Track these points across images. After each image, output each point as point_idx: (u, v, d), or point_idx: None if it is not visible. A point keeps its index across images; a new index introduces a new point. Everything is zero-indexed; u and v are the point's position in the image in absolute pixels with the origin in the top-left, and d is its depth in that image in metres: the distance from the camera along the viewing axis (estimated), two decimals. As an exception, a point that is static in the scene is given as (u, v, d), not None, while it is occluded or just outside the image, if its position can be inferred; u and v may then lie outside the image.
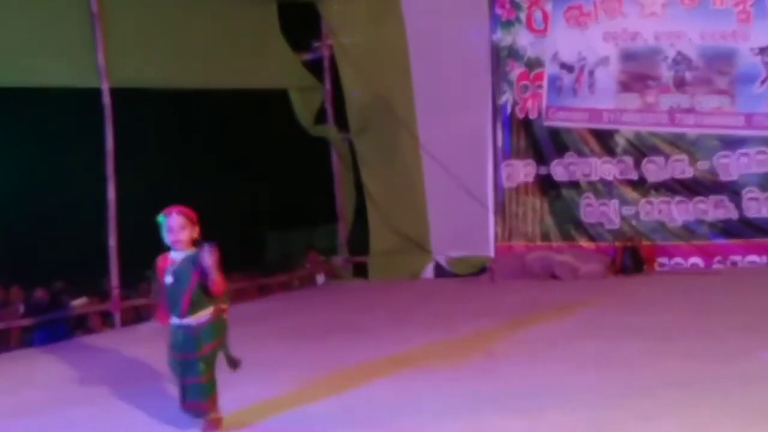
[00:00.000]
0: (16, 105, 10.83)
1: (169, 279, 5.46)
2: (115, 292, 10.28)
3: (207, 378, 5.47)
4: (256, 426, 5.76)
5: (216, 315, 5.49)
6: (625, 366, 6.58)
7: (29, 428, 6.19)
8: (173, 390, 6.76)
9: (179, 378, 5.53)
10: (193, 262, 5.41)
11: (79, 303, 10.58)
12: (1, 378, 7.93)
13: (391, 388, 6.51)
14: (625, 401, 5.62)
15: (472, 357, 7.27)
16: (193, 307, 5.43)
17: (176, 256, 5.50)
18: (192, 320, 5.45)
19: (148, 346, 8.91)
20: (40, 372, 8.08)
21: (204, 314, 5.46)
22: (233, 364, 5.62)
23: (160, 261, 5.54)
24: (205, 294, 5.42)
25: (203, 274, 5.35)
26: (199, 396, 5.50)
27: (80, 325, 10.45)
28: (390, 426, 5.56)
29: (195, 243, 5.49)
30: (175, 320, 5.48)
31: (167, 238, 5.46)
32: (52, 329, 10.13)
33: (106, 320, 10.49)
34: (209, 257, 5.31)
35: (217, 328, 5.50)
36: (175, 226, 5.44)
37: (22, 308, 10.23)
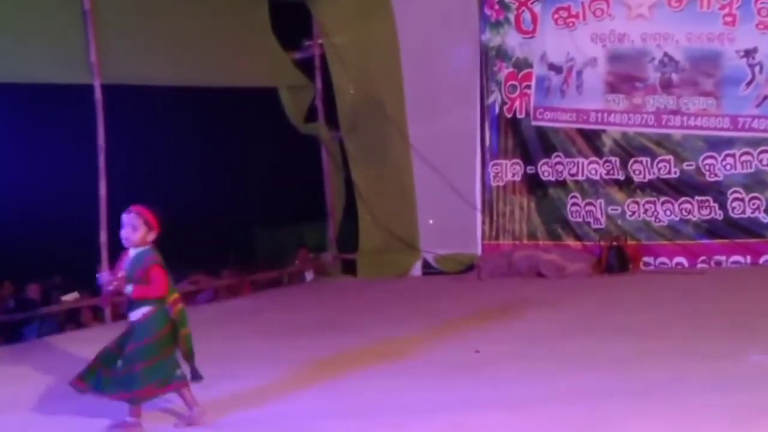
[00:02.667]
0: (8, 101, 10.88)
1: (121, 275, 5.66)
2: (106, 287, 10.35)
3: (143, 366, 5.54)
4: (226, 420, 5.82)
5: (151, 313, 5.60)
6: (611, 364, 6.63)
7: (21, 422, 6.22)
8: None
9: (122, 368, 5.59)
10: (139, 261, 5.60)
11: (70, 298, 10.64)
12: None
13: (376, 383, 6.58)
14: (611, 400, 5.67)
15: (458, 353, 7.36)
16: (134, 304, 5.62)
17: (132, 253, 5.67)
18: (133, 315, 5.64)
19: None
20: (32, 366, 8.13)
21: (141, 311, 5.61)
22: (196, 376, 5.74)
23: (122, 257, 5.72)
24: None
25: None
26: (134, 385, 5.56)
27: (71, 320, 10.51)
28: (373, 421, 5.61)
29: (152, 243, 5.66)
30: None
31: (121, 233, 5.64)
32: (43, 324, 10.20)
33: (97, 315, 10.56)
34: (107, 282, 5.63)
35: (154, 324, 5.60)
36: (128, 225, 5.61)
37: (12, 303, 10.28)
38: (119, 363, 5.60)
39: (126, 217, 5.61)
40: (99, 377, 5.65)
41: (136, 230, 5.58)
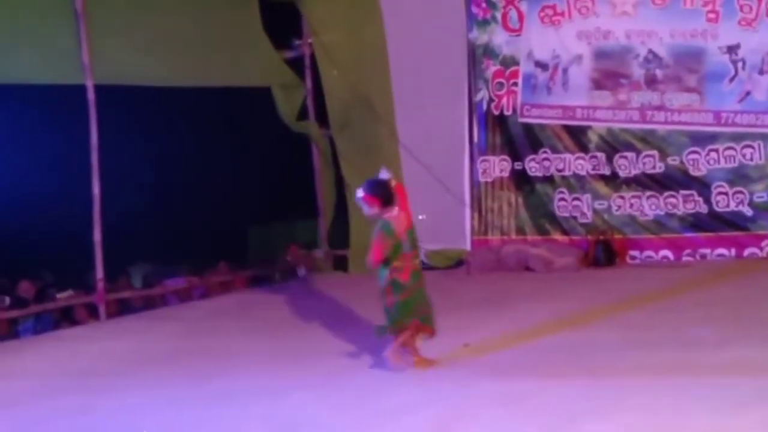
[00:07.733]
0: (1, 101, 10.97)
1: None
2: (100, 284, 10.47)
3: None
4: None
5: (391, 276, 6.54)
6: (596, 355, 6.77)
7: (17, 418, 6.31)
8: (156, 379, 7.02)
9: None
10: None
11: (65, 295, 10.74)
12: (-11, 369, 8.09)
13: (363, 376, 6.73)
14: (595, 390, 5.78)
15: (448, 347, 7.47)
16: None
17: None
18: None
19: (131, 337, 9.12)
20: (27, 363, 8.23)
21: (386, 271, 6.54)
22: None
23: None
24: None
25: None
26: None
27: (66, 317, 10.61)
28: (361, 417, 5.73)
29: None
30: None
31: None
32: (38, 321, 10.30)
33: (92, 312, 10.67)
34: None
35: (395, 287, 6.57)
36: (360, 203, 6.70)
37: (7, 300, 10.36)
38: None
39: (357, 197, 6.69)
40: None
41: (370, 209, 6.59)
